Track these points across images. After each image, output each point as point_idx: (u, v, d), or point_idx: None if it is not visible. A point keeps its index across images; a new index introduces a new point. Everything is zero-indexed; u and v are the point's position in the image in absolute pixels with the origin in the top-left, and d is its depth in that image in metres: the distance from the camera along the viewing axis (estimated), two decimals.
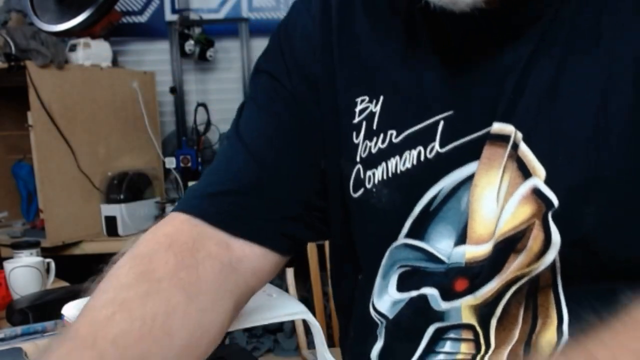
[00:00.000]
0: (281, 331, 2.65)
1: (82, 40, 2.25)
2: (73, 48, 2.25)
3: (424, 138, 0.59)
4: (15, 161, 2.47)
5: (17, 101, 2.21)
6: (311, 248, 1.80)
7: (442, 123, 0.58)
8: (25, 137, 2.15)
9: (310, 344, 1.78)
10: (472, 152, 0.56)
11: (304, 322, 1.23)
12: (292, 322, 2.16)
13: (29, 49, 2.03)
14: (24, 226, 2.40)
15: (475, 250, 0.56)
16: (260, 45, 2.81)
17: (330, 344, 1.86)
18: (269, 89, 0.68)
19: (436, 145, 0.58)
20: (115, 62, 2.52)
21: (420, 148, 0.59)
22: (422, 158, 0.59)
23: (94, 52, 2.29)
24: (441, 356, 0.59)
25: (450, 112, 0.58)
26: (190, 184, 2.36)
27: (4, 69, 2.01)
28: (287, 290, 1.75)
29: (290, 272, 1.80)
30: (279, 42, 0.70)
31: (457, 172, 0.57)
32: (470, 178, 0.56)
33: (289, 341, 2.63)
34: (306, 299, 2.30)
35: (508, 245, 0.54)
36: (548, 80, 0.54)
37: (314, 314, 0.89)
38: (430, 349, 0.59)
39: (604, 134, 0.51)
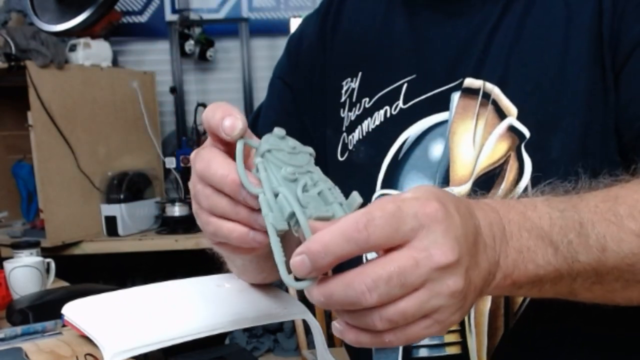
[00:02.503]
0: (281, 331, 2.65)
1: (82, 40, 2.25)
2: (73, 48, 2.25)
3: (390, 99, 0.71)
4: (15, 161, 2.47)
5: (17, 101, 2.21)
6: None
7: (405, 85, 0.70)
8: (25, 137, 2.15)
9: (310, 344, 1.78)
10: (433, 105, 0.67)
11: (304, 322, 1.22)
12: (292, 322, 2.16)
13: (29, 49, 2.03)
14: (24, 226, 2.40)
15: (458, 191, 0.64)
16: (260, 45, 2.82)
17: (330, 344, 1.87)
18: (280, 91, 0.82)
19: (400, 103, 0.70)
20: (115, 62, 2.52)
21: (387, 107, 0.71)
22: (388, 115, 0.70)
23: (94, 52, 2.29)
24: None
25: (413, 76, 0.70)
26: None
27: (4, 69, 2.01)
28: (287, 290, 1.75)
29: None
30: (288, 50, 0.84)
31: (420, 123, 0.68)
32: (433, 127, 0.67)
33: (289, 341, 2.63)
34: (306, 299, 2.30)
35: (488, 180, 0.63)
36: (514, 31, 0.65)
37: (314, 314, 0.89)
38: None
39: (565, 72, 0.62)
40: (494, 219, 0.46)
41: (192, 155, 0.48)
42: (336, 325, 0.41)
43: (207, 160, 0.46)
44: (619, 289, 0.51)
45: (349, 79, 0.75)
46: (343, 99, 0.75)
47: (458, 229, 0.40)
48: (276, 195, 0.43)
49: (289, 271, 0.40)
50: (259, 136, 0.83)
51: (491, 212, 0.46)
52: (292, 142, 0.48)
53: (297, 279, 0.40)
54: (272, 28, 2.81)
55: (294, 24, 2.56)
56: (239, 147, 0.46)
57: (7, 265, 1.37)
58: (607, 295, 0.52)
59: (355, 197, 0.43)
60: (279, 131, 0.47)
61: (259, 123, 0.84)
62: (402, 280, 0.37)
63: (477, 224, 0.44)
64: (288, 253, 0.41)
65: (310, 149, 0.48)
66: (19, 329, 1.03)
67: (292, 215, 0.41)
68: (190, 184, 0.49)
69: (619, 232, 0.49)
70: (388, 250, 0.39)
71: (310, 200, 0.42)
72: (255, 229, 0.45)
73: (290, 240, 0.43)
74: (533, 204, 0.49)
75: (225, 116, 0.45)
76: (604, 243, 0.48)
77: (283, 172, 0.44)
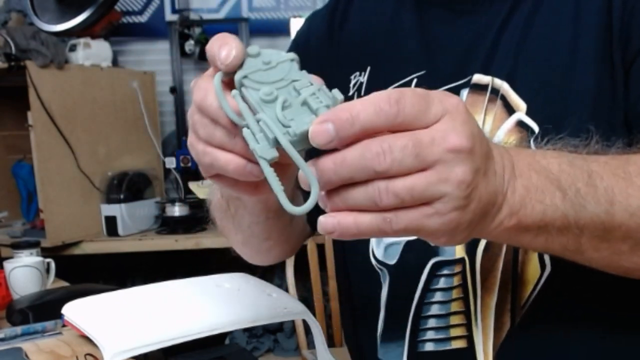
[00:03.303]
0: (281, 331, 2.65)
1: (82, 40, 2.25)
2: (73, 48, 2.25)
3: None
4: (15, 161, 2.46)
5: (17, 101, 2.20)
6: (311, 248, 1.80)
7: (415, 81, 0.70)
8: (25, 137, 2.15)
9: (310, 344, 1.78)
10: None
11: (304, 322, 1.23)
12: (292, 322, 2.16)
13: (29, 49, 2.03)
14: (24, 226, 2.40)
15: None
16: (260, 45, 2.78)
17: (330, 344, 1.87)
18: None
19: None
20: (115, 62, 2.52)
21: None
22: None
23: (94, 52, 2.29)
24: (438, 294, 0.66)
25: (422, 72, 0.70)
26: (190, 183, 2.36)
27: (4, 69, 2.01)
28: (287, 290, 1.75)
29: (290, 272, 1.80)
30: (296, 43, 0.84)
31: None
32: None
33: (289, 341, 2.63)
34: (306, 299, 2.30)
35: None
36: (522, 29, 0.65)
37: (314, 314, 0.89)
38: (428, 287, 0.66)
39: (574, 69, 0.62)
40: (505, 154, 0.46)
41: (192, 84, 0.47)
42: (327, 219, 0.40)
43: (204, 90, 0.45)
44: (627, 251, 0.51)
45: (357, 73, 0.75)
46: (351, 92, 0.76)
47: (475, 127, 0.41)
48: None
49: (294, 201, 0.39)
50: None
51: (502, 148, 0.47)
52: (267, 56, 0.45)
53: (296, 208, 0.39)
54: (272, 28, 2.80)
55: (294, 24, 2.56)
56: (217, 81, 0.44)
57: (7, 265, 1.37)
58: (614, 258, 0.52)
59: (336, 94, 0.41)
60: (251, 49, 0.45)
61: None
62: (417, 150, 0.38)
63: (490, 147, 0.44)
64: (287, 182, 0.41)
65: (291, 55, 0.45)
66: (19, 329, 1.03)
67: (277, 140, 0.40)
68: (188, 114, 0.48)
69: (627, 188, 0.49)
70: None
71: (293, 115, 0.40)
72: (253, 161, 0.43)
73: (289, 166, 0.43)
74: (543, 152, 0.50)
75: (222, 45, 0.43)
76: (612, 196, 0.48)
77: (261, 95, 0.42)
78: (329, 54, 0.79)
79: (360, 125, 0.38)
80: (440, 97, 0.40)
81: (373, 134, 0.38)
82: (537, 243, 0.49)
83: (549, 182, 0.47)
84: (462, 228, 0.42)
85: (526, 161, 0.47)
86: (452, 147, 0.39)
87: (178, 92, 2.75)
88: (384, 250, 0.69)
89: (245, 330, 2.61)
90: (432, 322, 0.66)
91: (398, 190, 0.38)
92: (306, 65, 0.81)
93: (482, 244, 0.64)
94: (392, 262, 0.69)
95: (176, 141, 2.79)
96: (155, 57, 2.82)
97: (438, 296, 0.66)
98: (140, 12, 2.84)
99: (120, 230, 2.24)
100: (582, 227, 0.48)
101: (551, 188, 0.47)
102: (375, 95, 0.38)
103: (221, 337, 1.08)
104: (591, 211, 0.48)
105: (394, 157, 0.37)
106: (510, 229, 0.46)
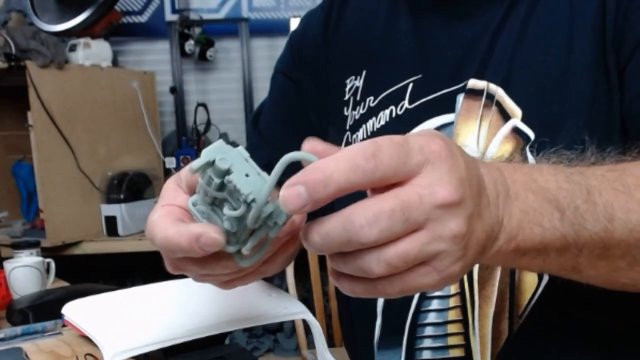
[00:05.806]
0: (281, 331, 2.65)
1: (82, 40, 2.25)
2: (73, 48, 2.25)
3: (395, 98, 0.70)
4: (15, 161, 2.46)
5: (17, 101, 2.20)
6: None
7: (411, 85, 0.69)
8: (25, 137, 2.15)
9: (310, 344, 1.78)
10: (439, 107, 0.67)
11: (304, 322, 1.22)
12: (292, 322, 2.16)
13: (29, 49, 2.03)
14: (24, 226, 2.39)
15: None
16: (260, 45, 2.82)
17: (330, 344, 1.87)
18: (282, 86, 0.82)
19: (405, 103, 0.69)
20: (115, 62, 2.52)
21: (392, 107, 0.70)
22: (394, 115, 0.70)
23: (94, 52, 2.29)
24: (435, 302, 0.66)
25: (419, 76, 0.69)
26: None
27: (4, 69, 2.00)
28: (287, 290, 1.75)
29: (290, 272, 1.80)
30: (291, 46, 0.83)
31: (426, 124, 0.67)
32: (440, 128, 0.67)
33: (289, 341, 2.63)
34: (306, 299, 2.30)
35: None
36: (517, 33, 0.64)
37: (314, 314, 0.89)
38: (424, 295, 0.66)
39: (569, 72, 0.61)
40: (498, 177, 0.43)
41: (148, 231, 0.45)
42: (332, 278, 0.39)
43: (171, 240, 0.42)
44: (625, 267, 0.49)
45: (353, 77, 0.75)
46: (347, 97, 0.75)
47: (462, 171, 0.38)
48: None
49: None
50: (262, 133, 0.85)
51: (495, 170, 0.43)
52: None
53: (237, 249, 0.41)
54: (272, 28, 2.81)
55: (294, 24, 2.56)
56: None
57: (7, 265, 1.37)
58: (612, 275, 0.50)
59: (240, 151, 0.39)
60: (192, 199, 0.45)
61: (260, 120, 0.84)
62: (406, 214, 0.34)
63: (481, 177, 0.41)
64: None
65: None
66: (19, 329, 1.03)
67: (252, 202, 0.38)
68: (163, 254, 0.46)
69: (627, 202, 0.47)
70: (386, 188, 0.36)
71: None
72: (262, 267, 0.46)
73: None
74: (539, 168, 0.47)
75: (195, 237, 0.40)
76: (611, 212, 0.46)
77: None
78: (324, 56, 0.78)
79: (336, 185, 0.34)
80: (420, 144, 0.36)
81: (352, 191, 0.35)
82: (534, 265, 0.47)
83: (547, 202, 0.44)
84: (463, 272, 0.40)
85: (522, 181, 0.44)
86: (442, 202, 0.35)
87: (178, 92, 2.75)
88: None
89: (245, 330, 2.61)
90: (429, 330, 0.66)
91: (390, 260, 0.35)
92: (301, 67, 0.81)
93: None
94: None
95: (176, 141, 2.79)
96: (155, 57, 2.82)
97: (435, 304, 0.66)
98: (140, 12, 2.84)
99: (120, 230, 2.24)
100: (582, 247, 0.46)
101: (549, 208, 0.44)
102: (349, 150, 0.35)
103: (221, 337, 1.08)
104: (590, 230, 0.45)
105: (381, 227, 0.34)
106: (509, 253, 0.43)
